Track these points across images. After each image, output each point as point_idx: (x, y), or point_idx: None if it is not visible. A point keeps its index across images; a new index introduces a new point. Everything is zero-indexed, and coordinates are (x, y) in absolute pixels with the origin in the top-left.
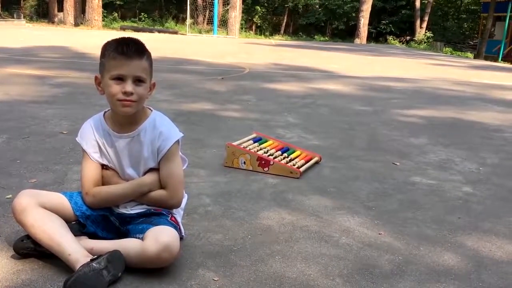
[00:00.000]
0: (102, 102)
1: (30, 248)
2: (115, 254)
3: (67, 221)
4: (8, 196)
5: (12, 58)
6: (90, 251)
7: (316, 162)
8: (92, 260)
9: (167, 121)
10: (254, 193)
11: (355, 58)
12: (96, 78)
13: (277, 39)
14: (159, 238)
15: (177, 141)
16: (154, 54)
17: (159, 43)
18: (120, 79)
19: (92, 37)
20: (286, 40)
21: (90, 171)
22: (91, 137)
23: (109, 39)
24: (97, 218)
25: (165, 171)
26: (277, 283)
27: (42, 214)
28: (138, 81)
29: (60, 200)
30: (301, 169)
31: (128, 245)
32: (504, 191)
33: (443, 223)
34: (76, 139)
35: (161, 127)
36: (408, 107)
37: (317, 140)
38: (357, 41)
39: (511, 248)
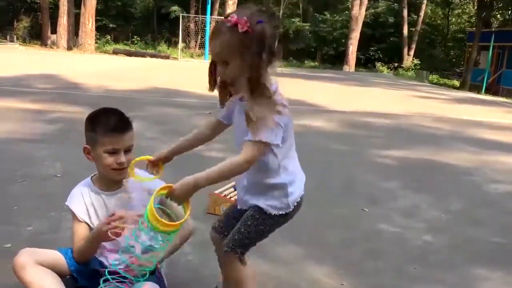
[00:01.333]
0: None
1: None
2: None
3: (62, 275)
4: (7, 245)
5: (4, 90)
6: None
7: None
8: None
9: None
10: None
11: (341, 89)
12: (85, 148)
13: None
14: None
15: None
16: (145, 84)
17: (151, 72)
18: (114, 152)
19: (85, 63)
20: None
21: (80, 232)
22: (80, 201)
23: (91, 111)
24: (91, 273)
25: None
26: None
27: (40, 272)
28: (128, 150)
29: (55, 256)
30: None
31: None
32: (461, 240)
33: (400, 273)
34: (66, 203)
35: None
36: (385, 147)
37: None
38: (346, 68)
39: None
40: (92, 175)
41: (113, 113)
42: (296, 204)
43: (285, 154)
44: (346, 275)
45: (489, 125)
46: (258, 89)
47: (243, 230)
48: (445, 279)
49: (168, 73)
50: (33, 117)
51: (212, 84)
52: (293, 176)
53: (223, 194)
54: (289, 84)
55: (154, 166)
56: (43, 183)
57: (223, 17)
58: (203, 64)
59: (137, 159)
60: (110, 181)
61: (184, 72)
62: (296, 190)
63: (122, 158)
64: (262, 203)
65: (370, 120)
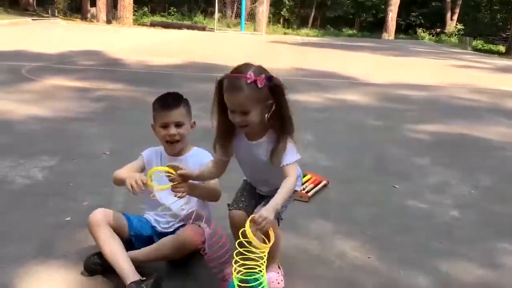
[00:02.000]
0: (137, 119)
1: (96, 263)
2: (160, 279)
3: (123, 237)
4: (67, 219)
5: (51, 67)
6: (136, 259)
7: (324, 186)
8: (142, 281)
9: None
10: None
11: (379, 59)
12: (152, 125)
13: (304, 34)
14: (186, 228)
15: None
16: (183, 58)
17: (188, 45)
18: (166, 126)
19: (124, 38)
20: (313, 35)
21: (131, 164)
22: (152, 150)
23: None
24: (145, 239)
25: None
26: None
27: (109, 233)
28: (178, 125)
29: (121, 220)
30: (310, 194)
31: (165, 239)
32: (488, 216)
33: (425, 248)
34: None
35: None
36: (419, 121)
37: (328, 161)
38: (385, 35)
39: (479, 272)
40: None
41: (167, 94)
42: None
43: None
44: (373, 249)
45: None
46: (285, 126)
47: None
48: (469, 254)
49: (204, 46)
50: (80, 96)
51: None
52: None
53: None
54: (325, 56)
55: (184, 181)
56: (93, 161)
57: (237, 73)
58: (239, 35)
59: (156, 168)
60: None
61: (220, 44)
62: None
63: (172, 130)
64: None
65: (406, 93)
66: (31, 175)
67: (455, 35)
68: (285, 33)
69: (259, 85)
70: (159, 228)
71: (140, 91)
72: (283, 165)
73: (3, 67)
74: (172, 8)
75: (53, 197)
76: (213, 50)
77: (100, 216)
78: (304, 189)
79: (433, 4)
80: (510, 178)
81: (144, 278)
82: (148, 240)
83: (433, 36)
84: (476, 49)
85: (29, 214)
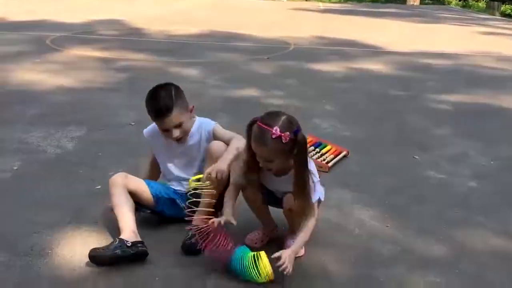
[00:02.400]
0: None
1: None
2: (143, 253)
3: (144, 200)
4: (97, 187)
5: (74, 37)
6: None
7: (344, 156)
8: (132, 243)
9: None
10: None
11: (403, 26)
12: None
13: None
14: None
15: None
16: (204, 27)
17: (207, 12)
18: (167, 130)
19: (144, 6)
20: (335, 1)
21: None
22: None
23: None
24: (166, 201)
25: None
26: (298, 264)
27: (123, 194)
28: (179, 125)
29: (142, 185)
30: (330, 164)
31: None
32: (506, 187)
33: (442, 217)
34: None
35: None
36: (441, 91)
37: (349, 131)
38: (409, 1)
39: (493, 241)
40: None
41: (155, 99)
42: None
43: None
44: (391, 218)
45: None
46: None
47: None
48: (484, 222)
49: (224, 13)
50: (104, 66)
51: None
52: None
53: None
54: (347, 24)
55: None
56: (119, 131)
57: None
58: (259, 2)
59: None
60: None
61: (240, 12)
62: None
63: (175, 134)
64: None
65: (430, 62)
66: (61, 144)
67: None
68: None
69: (284, 141)
70: (180, 190)
71: (162, 61)
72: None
73: (29, 38)
74: None
75: (83, 166)
76: (232, 18)
77: (119, 179)
78: (324, 160)
79: None
80: None
81: (135, 241)
82: (170, 202)
83: (460, 1)
84: (504, 15)
85: (62, 183)
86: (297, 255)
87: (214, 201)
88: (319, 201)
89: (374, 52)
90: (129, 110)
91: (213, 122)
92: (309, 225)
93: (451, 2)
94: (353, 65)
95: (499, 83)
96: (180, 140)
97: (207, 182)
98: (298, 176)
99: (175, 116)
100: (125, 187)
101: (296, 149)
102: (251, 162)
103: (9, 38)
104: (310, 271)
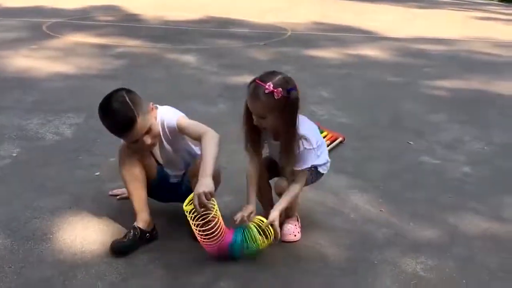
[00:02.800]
0: (156, 76)
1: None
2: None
3: (150, 175)
4: (97, 173)
5: (71, 23)
6: None
7: (341, 142)
8: (143, 230)
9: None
10: None
11: (400, 11)
12: None
13: None
14: None
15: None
16: (200, 13)
17: None
18: (135, 142)
19: None
20: None
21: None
22: None
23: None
24: (167, 184)
25: (192, 133)
26: (294, 248)
27: (137, 167)
28: (147, 132)
29: (153, 161)
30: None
31: None
32: (499, 172)
33: (435, 202)
34: None
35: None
36: (438, 77)
37: (345, 118)
38: None
39: (484, 225)
40: None
41: (112, 116)
42: None
43: None
44: (385, 203)
45: None
46: (294, 138)
47: None
48: (476, 207)
49: None
50: (101, 52)
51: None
52: None
53: None
54: (345, 8)
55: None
56: None
57: (261, 81)
58: None
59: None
60: None
61: None
62: None
63: (146, 141)
64: None
65: (426, 48)
66: (60, 131)
67: None
68: None
69: (276, 97)
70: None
71: (159, 48)
72: (294, 169)
73: (25, 24)
74: None
75: (82, 153)
76: (229, 2)
77: (124, 154)
78: None
79: None
80: None
81: (149, 230)
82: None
83: None
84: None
85: (62, 169)
86: (292, 240)
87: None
88: (316, 171)
89: (370, 37)
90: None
91: (175, 117)
92: (293, 190)
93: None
94: (349, 51)
95: (495, 69)
96: (154, 145)
97: (201, 210)
98: (285, 137)
99: (140, 124)
100: (139, 161)
101: (289, 107)
102: (251, 124)
103: (5, 24)
104: (306, 254)
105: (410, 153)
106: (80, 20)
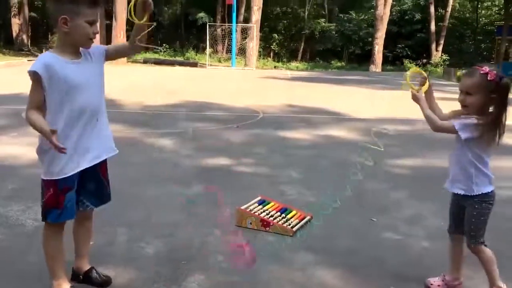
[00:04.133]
0: (136, 160)
1: None
2: None
3: None
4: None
5: None
6: None
7: (309, 220)
8: None
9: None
10: (256, 251)
11: (365, 93)
12: (62, 18)
13: (293, 67)
14: None
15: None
16: (176, 97)
17: (180, 82)
18: (92, 23)
19: (118, 77)
20: (302, 68)
21: (36, 99)
22: (42, 68)
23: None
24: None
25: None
26: None
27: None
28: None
29: None
30: (294, 228)
31: None
32: None
33: (398, 276)
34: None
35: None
36: (400, 156)
37: (313, 197)
38: (372, 67)
39: None
40: (49, 50)
41: None
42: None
43: None
44: (351, 278)
45: None
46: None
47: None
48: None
49: (196, 83)
50: None
51: None
52: None
53: (248, 209)
54: (314, 91)
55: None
56: None
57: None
58: (230, 71)
59: (412, 70)
60: (75, 51)
61: (211, 81)
62: None
63: (97, 29)
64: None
65: (390, 127)
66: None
67: (441, 65)
68: (275, 67)
69: (489, 78)
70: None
71: (137, 133)
72: (452, 125)
73: (5, 111)
74: (164, 44)
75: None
76: (204, 87)
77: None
78: (289, 224)
79: (418, 35)
80: None
81: None
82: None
83: (419, 66)
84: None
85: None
86: None
87: None
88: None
89: (339, 119)
90: None
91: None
92: (438, 119)
93: (411, 68)
94: (318, 132)
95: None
96: (93, 40)
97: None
98: (495, 113)
99: (99, 11)
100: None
101: (497, 93)
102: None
103: None
104: None
105: (373, 230)
106: None
